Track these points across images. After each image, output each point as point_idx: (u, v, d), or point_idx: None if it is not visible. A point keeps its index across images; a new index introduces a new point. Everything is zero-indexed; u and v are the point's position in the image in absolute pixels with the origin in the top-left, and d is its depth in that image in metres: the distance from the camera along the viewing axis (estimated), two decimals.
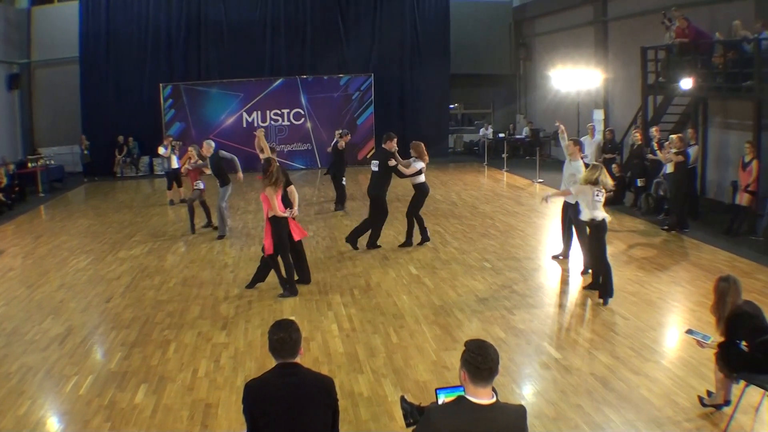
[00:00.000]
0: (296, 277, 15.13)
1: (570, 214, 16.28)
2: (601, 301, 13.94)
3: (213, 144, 20.67)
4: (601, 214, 13.82)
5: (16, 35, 35.51)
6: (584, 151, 23.29)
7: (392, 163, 18.28)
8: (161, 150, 26.99)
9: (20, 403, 10.09)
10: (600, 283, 14.20)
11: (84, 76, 35.62)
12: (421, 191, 18.78)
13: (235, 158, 20.75)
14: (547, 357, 11.40)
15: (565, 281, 15.68)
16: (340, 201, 24.84)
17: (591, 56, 31.40)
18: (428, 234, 19.25)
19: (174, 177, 26.65)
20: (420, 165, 18.41)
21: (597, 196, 13.72)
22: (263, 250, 14.79)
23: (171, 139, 28.16)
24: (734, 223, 19.43)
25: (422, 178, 18.62)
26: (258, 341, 12.30)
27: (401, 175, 18.58)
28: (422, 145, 18.79)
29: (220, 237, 20.37)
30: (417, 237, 19.06)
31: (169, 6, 36.11)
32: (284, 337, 5.84)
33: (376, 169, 18.51)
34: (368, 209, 18.96)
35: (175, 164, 26.21)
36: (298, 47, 37.52)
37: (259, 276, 15.54)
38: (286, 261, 14.80)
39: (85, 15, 35.43)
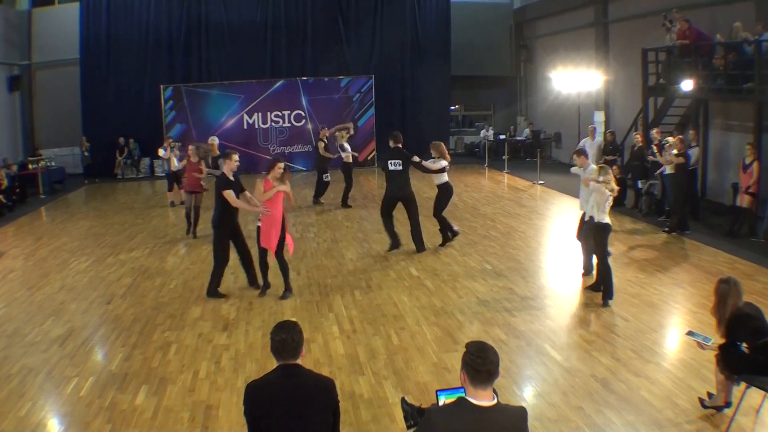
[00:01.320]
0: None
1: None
2: (601, 302, 13.99)
3: (218, 141, 20.62)
4: (607, 217, 13.87)
5: (16, 37, 35.55)
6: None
7: (417, 159, 18.20)
8: (161, 152, 26.94)
9: (21, 404, 10.10)
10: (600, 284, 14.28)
11: (85, 78, 35.67)
12: (446, 191, 18.77)
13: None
14: (547, 359, 11.41)
15: (565, 283, 15.65)
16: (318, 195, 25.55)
17: (592, 58, 31.41)
18: (449, 236, 19.24)
19: (174, 178, 26.49)
20: (444, 163, 18.38)
21: (608, 199, 13.77)
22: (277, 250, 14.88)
23: (171, 140, 28.07)
24: (735, 225, 19.44)
25: (446, 177, 18.57)
26: (259, 342, 12.32)
27: (426, 171, 18.53)
28: (443, 144, 18.79)
29: None
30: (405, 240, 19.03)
31: (170, 8, 36.16)
32: (286, 338, 5.84)
33: (400, 168, 18.17)
34: (408, 210, 18.60)
35: (175, 165, 25.98)
36: (299, 49, 37.57)
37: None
38: (282, 260, 14.91)
39: (85, 17, 35.46)
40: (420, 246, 18.60)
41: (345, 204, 25.19)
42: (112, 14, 35.65)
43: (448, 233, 19.16)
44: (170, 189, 26.93)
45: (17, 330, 13.36)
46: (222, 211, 14.84)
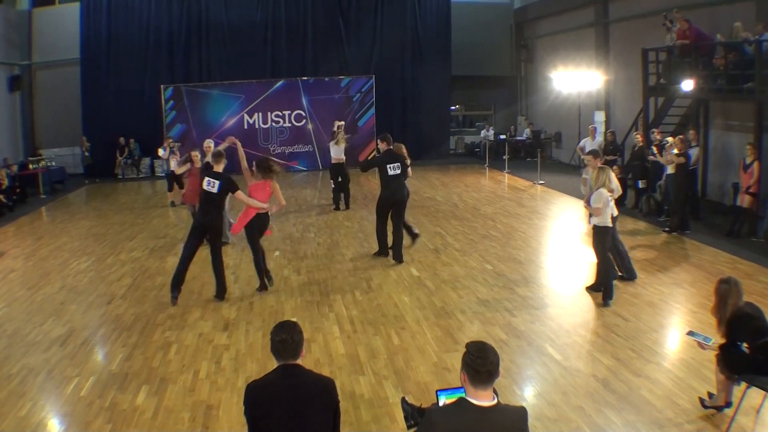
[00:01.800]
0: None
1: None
2: (601, 302, 14.02)
3: (213, 143, 20.17)
4: (606, 220, 13.88)
5: (17, 37, 35.57)
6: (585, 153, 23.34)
7: (408, 163, 18.19)
8: (161, 152, 26.84)
9: (21, 404, 10.11)
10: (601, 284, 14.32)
11: (85, 78, 35.73)
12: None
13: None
14: (548, 358, 11.41)
15: (566, 283, 15.62)
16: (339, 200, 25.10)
17: (592, 58, 31.45)
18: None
19: (174, 178, 26.09)
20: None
21: (609, 201, 13.81)
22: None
23: (171, 140, 27.94)
24: (735, 225, 19.45)
25: None
26: (259, 342, 12.33)
27: (406, 177, 18.36)
28: (404, 146, 18.63)
29: (225, 243, 19.90)
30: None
31: (170, 8, 36.22)
32: (286, 338, 5.84)
33: (398, 172, 17.70)
34: (397, 215, 18.01)
35: (173, 166, 25.43)
36: (299, 49, 37.64)
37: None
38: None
39: (86, 16, 35.51)
40: (400, 257, 18.17)
41: (347, 205, 25.09)
42: (112, 14, 35.71)
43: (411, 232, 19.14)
44: (170, 189, 26.89)
45: (18, 330, 13.36)
46: (220, 212, 14.89)
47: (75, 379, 11.03)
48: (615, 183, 14.36)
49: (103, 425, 9.43)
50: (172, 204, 26.71)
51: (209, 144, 19.43)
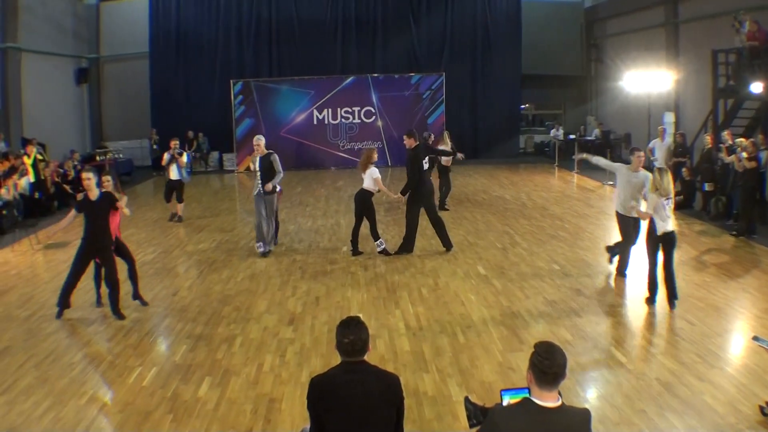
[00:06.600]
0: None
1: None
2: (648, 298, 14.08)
3: (263, 140, 18.75)
4: (671, 225, 13.74)
5: (84, 30, 36.24)
6: (654, 155, 23.10)
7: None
8: (165, 157, 23.95)
9: (83, 392, 10.31)
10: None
11: (153, 72, 36.55)
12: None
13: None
14: (612, 361, 11.32)
15: (632, 285, 15.44)
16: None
17: (662, 58, 31.11)
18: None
19: (175, 187, 23.88)
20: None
21: (668, 204, 13.62)
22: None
23: (176, 144, 24.10)
24: None
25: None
26: (324, 337, 12.41)
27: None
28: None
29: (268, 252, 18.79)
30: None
31: (240, 3, 36.71)
32: (355, 339, 5.87)
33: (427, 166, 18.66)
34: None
35: (174, 175, 23.55)
36: (369, 45, 38.00)
37: None
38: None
39: (155, 11, 36.20)
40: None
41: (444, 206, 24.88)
42: (181, 9, 36.29)
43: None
44: (168, 200, 24.46)
45: (81, 318, 13.60)
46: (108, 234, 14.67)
47: (137, 368, 11.20)
48: (670, 187, 14.13)
49: (164, 415, 9.57)
50: (173, 217, 23.97)
51: (259, 141, 18.47)
